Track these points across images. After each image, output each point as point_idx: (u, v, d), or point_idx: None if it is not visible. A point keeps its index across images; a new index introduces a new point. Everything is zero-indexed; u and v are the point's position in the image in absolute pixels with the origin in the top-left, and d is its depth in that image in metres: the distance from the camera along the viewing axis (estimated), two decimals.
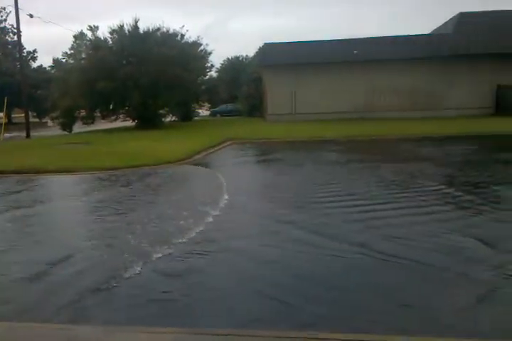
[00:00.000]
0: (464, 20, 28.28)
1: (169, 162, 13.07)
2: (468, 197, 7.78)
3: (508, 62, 27.57)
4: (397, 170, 10.85)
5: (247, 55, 51.64)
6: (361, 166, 11.87)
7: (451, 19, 30.05)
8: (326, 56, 29.03)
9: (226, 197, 8.34)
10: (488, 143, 16.81)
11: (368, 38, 29.54)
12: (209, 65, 34.95)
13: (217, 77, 49.49)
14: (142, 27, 27.80)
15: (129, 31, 27.66)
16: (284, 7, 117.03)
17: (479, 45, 27.12)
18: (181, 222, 6.61)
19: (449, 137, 18.01)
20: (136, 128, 27.42)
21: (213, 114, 47.67)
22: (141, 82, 25.40)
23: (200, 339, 3.29)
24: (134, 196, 9.02)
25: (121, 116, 29.54)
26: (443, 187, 8.82)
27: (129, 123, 29.84)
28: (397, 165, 11.82)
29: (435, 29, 32.93)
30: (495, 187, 8.60)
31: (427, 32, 33.65)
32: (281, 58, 30.09)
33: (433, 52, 28.03)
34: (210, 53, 33.43)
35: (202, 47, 32.44)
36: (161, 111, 29.27)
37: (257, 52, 38.53)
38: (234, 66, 50.34)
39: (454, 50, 27.66)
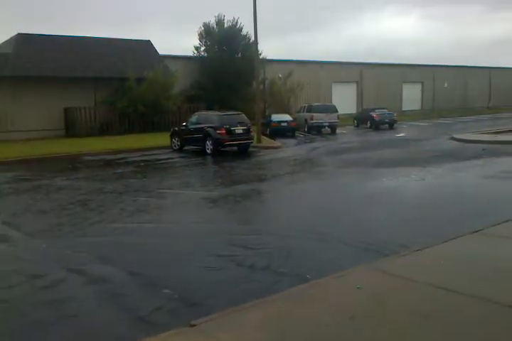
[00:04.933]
0: (23, 42, 27.67)
1: None
2: None
3: (71, 86, 28.60)
4: None
5: None
6: None
7: (10, 39, 28.94)
8: None
9: None
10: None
11: None
12: None
13: None
14: None
15: None
16: None
17: (40, 67, 27.03)
18: None
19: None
20: None
21: None
22: None
23: None
24: None
25: None
26: None
27: None
28: None
29: None
30: None
31: None
32: None
33: None
34: None
35: None
36: None
37: None
38: None
39: (17, 71, 26.62)
